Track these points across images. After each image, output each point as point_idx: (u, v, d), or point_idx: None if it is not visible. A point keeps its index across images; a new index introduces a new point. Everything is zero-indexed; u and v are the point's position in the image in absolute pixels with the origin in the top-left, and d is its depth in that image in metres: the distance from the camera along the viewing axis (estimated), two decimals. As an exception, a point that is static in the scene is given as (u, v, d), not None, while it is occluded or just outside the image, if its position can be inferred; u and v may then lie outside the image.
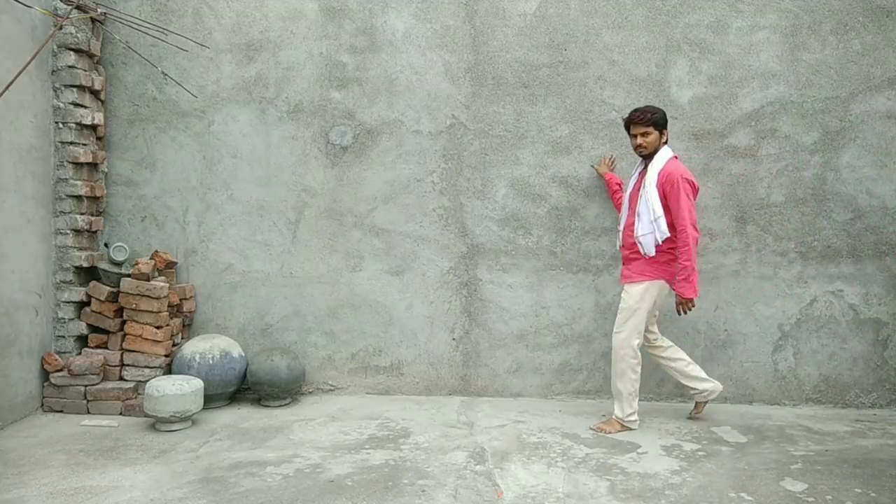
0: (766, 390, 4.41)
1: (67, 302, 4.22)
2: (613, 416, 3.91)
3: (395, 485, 3.09)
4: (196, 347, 4.20)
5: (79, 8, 4.06)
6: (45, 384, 4.11)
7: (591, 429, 3.88)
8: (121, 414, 4.06)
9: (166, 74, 4.28)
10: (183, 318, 4.47)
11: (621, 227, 4.00)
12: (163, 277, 4.34)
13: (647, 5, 4.34)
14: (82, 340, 4.29)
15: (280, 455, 3.45)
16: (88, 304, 4.25)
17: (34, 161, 4.03)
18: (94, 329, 4.27)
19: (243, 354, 4.36)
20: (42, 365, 4.11)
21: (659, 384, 4.44)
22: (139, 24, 4.14)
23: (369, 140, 4.48)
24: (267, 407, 4.28)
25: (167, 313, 4.25)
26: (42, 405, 4.12)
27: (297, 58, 4.46)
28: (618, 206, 4.19)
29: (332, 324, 4.55)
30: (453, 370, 4.51)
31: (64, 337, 4.23)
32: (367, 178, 4.49)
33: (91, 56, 4.29)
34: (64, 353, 4.23)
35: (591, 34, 4.37)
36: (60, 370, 4.12)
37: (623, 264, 3.99)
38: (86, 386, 4.07)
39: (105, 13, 4.26)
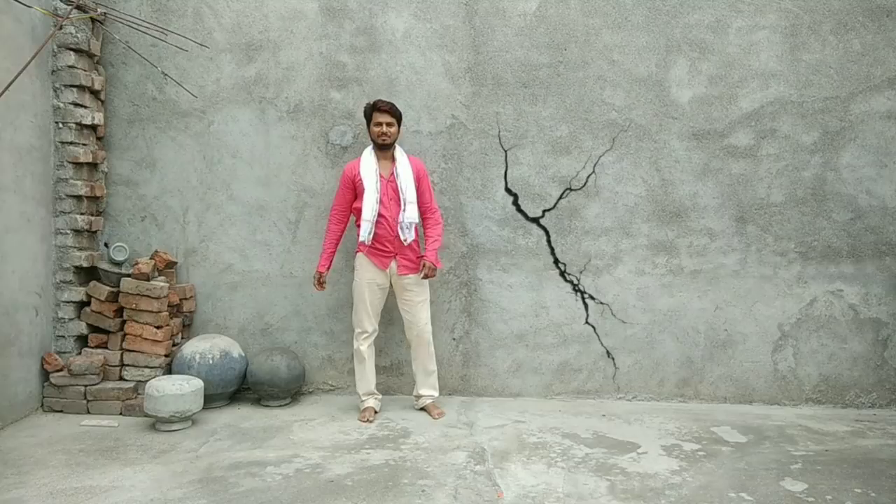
0: (766, 390, 4.41)
1: (67, 302, 4.22)
2: (432, 400, 4.17)
3: (395, 485, 3.09)
4: (196, 347, 4.20)
5: (79, 8, 4.06)
6: (45, 384, 4.12)
7: (436, 416, 4.07)
8: (121, 414, 4.06)
9: (166, 74, 4.28)
10: (183, 318, 4.47)
11: (373, 218, 3.93)
12: (163, 277, 4.34)
13: (647, 5, 4.34)
14: (82, 340, 4.29)
15: (280, 455, 3.45)
16: (88, 304, 4.25)
17: (34, 161, 4.03)
18: (94, 329, 4.27)
19: (243, 354, 4.36)
20: (42, 365, 4.11)
21: (659, 384, 4.44)
22: (139, 24, 4.14)
23: (369, 140, 4.47)
24: (267, 407, 4.28)
25: (167, 313, 4.25)
26: (42, 405, 4.12)
27: (297, 58, 4.46)
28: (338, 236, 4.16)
29: (332, 323, 4.55)
30: (453, 370, 4.51)
31: (64, 337, 4.23)
32: (367, 178, 4.49)
33: (91, 56, 4.29)
34: (64, 352, 4.23)
35: (591, 34, 4.37)
36: (60, 370, 4.12)
37: (398, 254, 4.02)
38: (86, 386, 4.07)
39: (105, 13, 4.26)
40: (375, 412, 4.10)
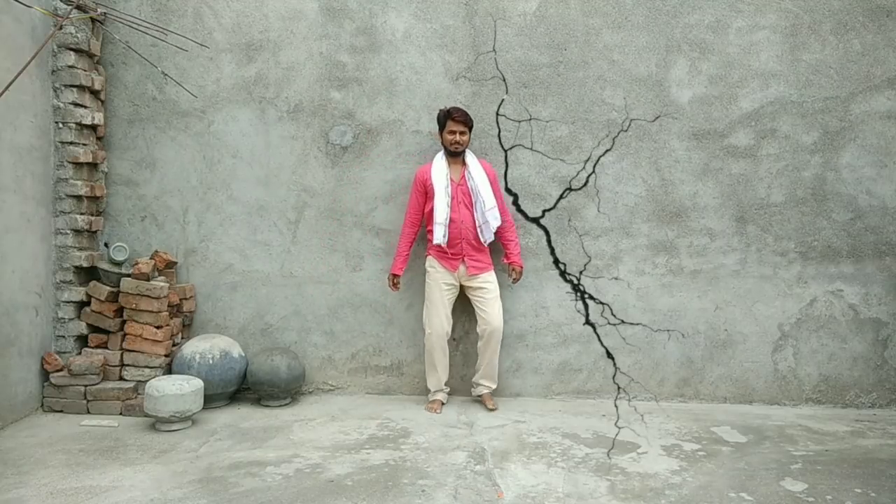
0: (766, 390, 4.41)
1: (67, 302, 4.22)
2: (489, 391, 4.31)
3: (395, 485, 3.09)
4: (196, 347, 4.20)
5: (79, 8, 4.06)
6: (45, 384, 4.12)
7: (491, 407, 4.22)
8: (121, 414, 4.06)
9: (166, 74, 4.28)
10: (183, 318, 4.47)
11: (445, 221, 4.07)
12: (163, 277, 4.34)
13: (647, 5, 4.34)
14: (82, 340, 4.29)
15: (280, 455, 3.45)
16: (88, 303, 4.25)
17: (34, 161, 4.03)
18: (94, 329, 4.27)
19: (243, 354, 4.36)
20: (42, 365, 4.11)
21: (659, 384, 4.44)
22: (139, 24, 4.14)
23: (369, 140, 4.48)
24: (267, 407, 4.28)
25: (167, 313, 4.25)
26: (42, 405, 4.12)
27: (297, 58, 4.46)
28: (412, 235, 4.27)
29: (332, 323, 4.55)
30: (453, 370, 4.50)
31: (64, 337, 4.23)
32: (367, 178, 4.49)
33: (91, 56, 4.29)
34: (64, 352, 4.23)
35: (591, 34, 4.37)
36: (60, 370, 4.12)
37: (467, 256, 4.16)
38: (86, 386, 4.07)
39: (105, 13, 4.26)
40: (442, 404, 4.28)
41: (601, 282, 4.44)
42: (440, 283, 4.18)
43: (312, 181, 4.50)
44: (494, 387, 4.33)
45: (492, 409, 4.20)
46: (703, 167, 4.37)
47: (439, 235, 4.09)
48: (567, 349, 4.47)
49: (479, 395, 4.33)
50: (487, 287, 4.20)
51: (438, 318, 4.19)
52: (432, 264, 4.20)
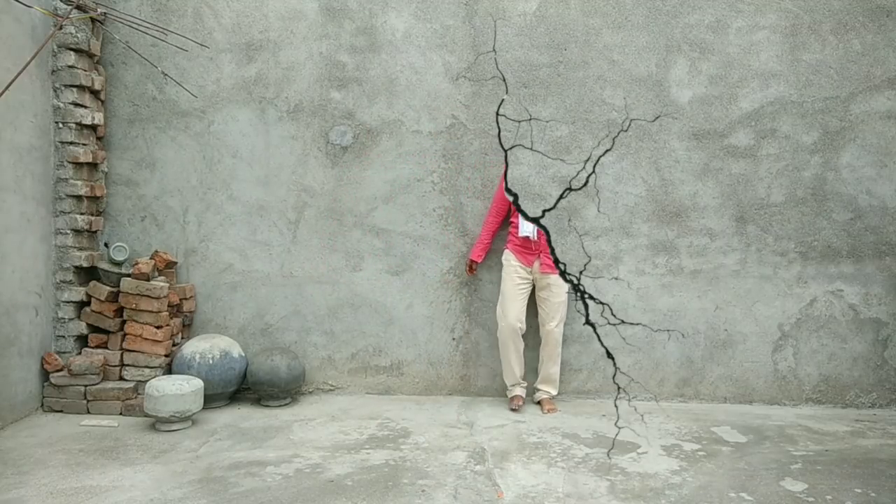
0: (766, 390, 4.41)
1: (67, 302, 4.22)
2: (548, 396, 4.29)
3: (395, 485, 3.09)
4: (196, 347, 4.20)
5: (79, 8, 4.06)
6: (45, 384, 4.12)
7: (547, 411, 4.20)
8: (121, 414, 4.06)
9: (166, 74, 4.28)
10: (183, 318, 4.47)
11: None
12: (163, 277, 4.34)
13: (647, 5, 4.34)
14: (82, 340, 4.29)
15: (280, 455, 3.45)
16: (88, 303, 4.25)
17: (34, 161, 4.03)
18: (94, 329, 4.27)
19: (243, 354, 4.36)
20: (42, 365, 4.11)
21: (659, 384, 4.44)
22: (139, 24, 4.14)
23: (369, 140, 4.48)
24: (267, 407, 4.28)
25: (167, 313, 4.25)
26: (42, 405, 4.12)
27: (297, 58, 4.46)
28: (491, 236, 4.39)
29: (332, 324, 4.55)
30: (453, 370, 4.51)
31: (64, 337, 4.23)
32: (367, 178, 4.49)
33: (91, 56, 4.29)
34: (64, 352, 4.23)
35: (591, 34, 4.37)
36: (60, 370, 4.12)
37: (542, 254, 4.21)
38: (86, 386, 4.07)
39: (105, 13, 4.26)
40: (522, 399, 4.27)
41: (601, 282, 4.44)
42: (514, 275, 4.22)
43: (312, 181, 4.50)
44: (555, 392, 4.31)
45: (548, 413, 4.16)
46: (703, 167, 4.37)
47: (526, 228, 4.15)
48: (567, 349, 4.47)
49: (538, 401, 4.30)
50: (555, 291, 4.20)
51: (512, 310, 4.21)
52: (508, 258, 4.26)
